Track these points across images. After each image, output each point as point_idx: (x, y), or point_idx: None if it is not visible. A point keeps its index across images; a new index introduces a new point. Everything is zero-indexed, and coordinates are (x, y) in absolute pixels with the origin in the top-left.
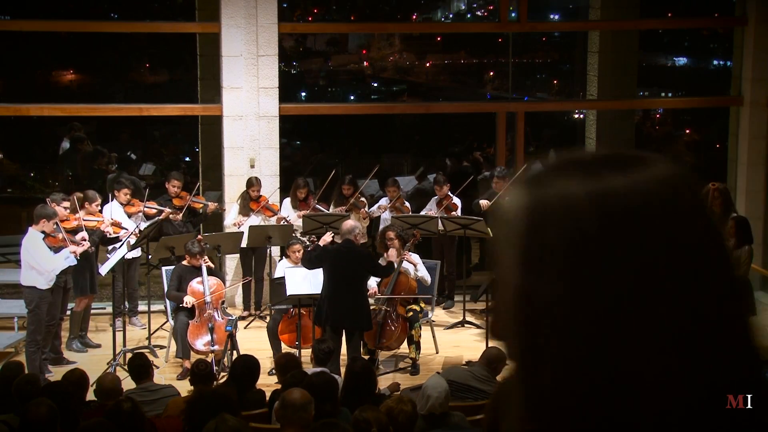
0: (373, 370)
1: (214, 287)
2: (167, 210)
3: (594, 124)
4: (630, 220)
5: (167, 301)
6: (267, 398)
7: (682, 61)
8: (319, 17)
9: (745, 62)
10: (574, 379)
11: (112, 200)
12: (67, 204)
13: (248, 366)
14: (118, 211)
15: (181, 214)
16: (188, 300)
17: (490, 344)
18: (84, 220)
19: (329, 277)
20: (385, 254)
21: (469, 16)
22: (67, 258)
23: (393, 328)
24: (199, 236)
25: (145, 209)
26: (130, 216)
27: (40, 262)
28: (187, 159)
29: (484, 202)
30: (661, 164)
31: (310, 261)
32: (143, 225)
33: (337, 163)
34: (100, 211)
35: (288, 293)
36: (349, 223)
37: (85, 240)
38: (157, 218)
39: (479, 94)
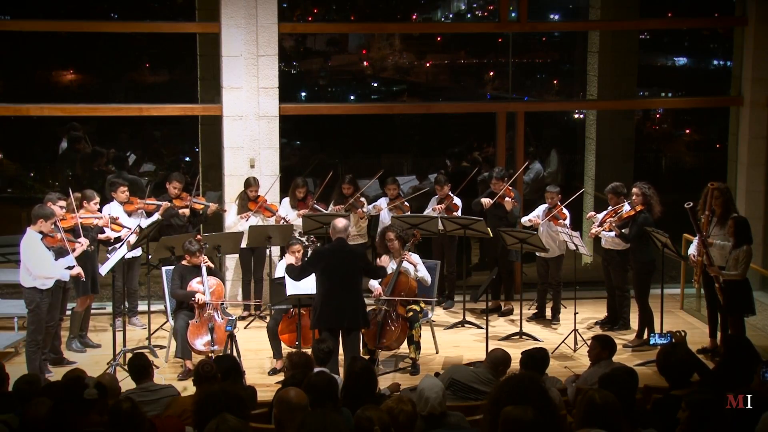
0: (373, 370)
1: (214, 287)
2: (166, 204)
3: (594, 124)
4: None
5: (167, 301)
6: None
7: (682, 61)
8: (319, 17)
9: (745, 62)
10: None
11: (111, 201)
12: (63, 203)
13: (229, 366)
14: (118, 210)
15: (188, 210)
16: (199, 296)
17: (492, 345)
18: (81, 218)
19: (325, 277)
20: (378, 260)
21: (469, 16)
22: (62, 275)
23: (393, 328)
24: (198, 236)
25: (146, 205)
26: (130, 215)
27: (35, 264)
28: (187, 159)
29: (486, 201)
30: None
31: (300, 271)
32: (144, 222)
33: (337, 163)
34: (100, 210)
35: (288, 293)
36: (342, 221)
37: (81, 243)
38: (156, 214)
39: (479, 94)
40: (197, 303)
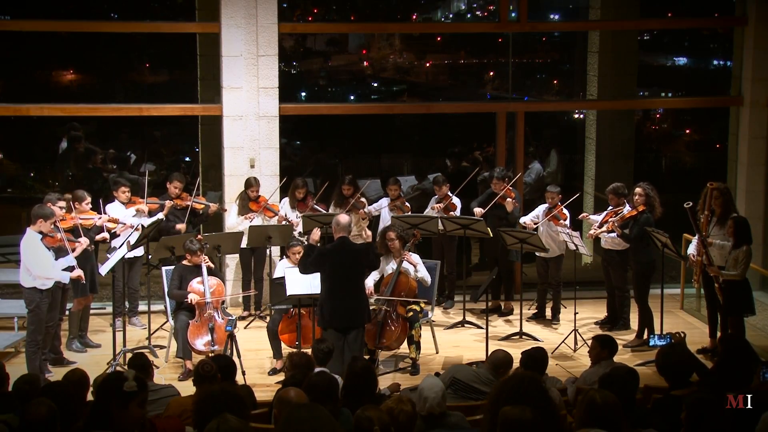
0: (373, 370)
1: (214, 287)
2: (169, 203)
3: (594, 124)
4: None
5: (167, 301)
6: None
7: (682, 61)
8: (319, 17)
9: (745, 62)
10: None
11: (113, 200)
12: (62, 204)
13: (223, 366)
14: (121, 209)
15: (184, 225)
16: (193, 297)
17: (492, 345)
18: (80, 219)
19: (330, 277)
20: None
21: (469, 16)
22: (62, 277)
23: (393, 328)
24: (199, 236)
25: (148, 204)
26: (133, 214)
27: (35, 264)
28: (187, 159)
29: (477, 210)
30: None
31: (305, 266)
32: (146, 222)
33: (337, 163)
34: (92, 209)
35: (288, 293)
36: (345, 217)
37: (81, 242)
38: (159, 214)
39: (479, 94)
40: (191, 303)
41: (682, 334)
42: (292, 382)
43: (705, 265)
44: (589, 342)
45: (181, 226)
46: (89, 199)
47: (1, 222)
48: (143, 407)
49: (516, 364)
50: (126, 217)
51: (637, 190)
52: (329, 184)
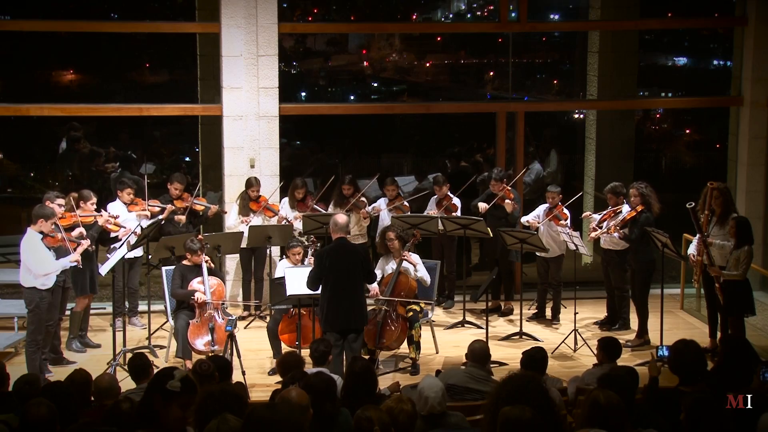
0: (373, 370)
1: (215, 287)
2: (170, 207)
3: (594, 124)
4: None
5: (167, 301)
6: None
7: (682, 61)
8: (319, 17)
9: (745, 62)
10: None
11: (115, 199)
12: (62, 201)
13: (219, 367)
14: (122, 210)
15: (184, 216)
16: (199, 296)
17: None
18: (81, 216)
19: (329, 278)
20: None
21: (469, 16)
22: (63, 264)
23: (393, 328)
24: (199, 236)
25: (149, 207)
26: (135, 216)
27: (35, 264)
28: (187, 159)
29: (482, 206)
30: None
31: (312, 283)
32: (146, 224)
33: (337, 163)
34: (97, 210)
35: (288, 293)
36: (343, 217)
37: (83, 237)
38: (159, 216)
39: (479, 94)
40: (197, 302)
41: None
42: (291, 382)
43: (706, 265)
44: (589, 342)
45: (180, 217)
46: (95, 200)
47: (1, 222)
48: (185, 411)
49: (515, 363)
50: (127, 220)
51: (632, 191)
52: (329, 186)
